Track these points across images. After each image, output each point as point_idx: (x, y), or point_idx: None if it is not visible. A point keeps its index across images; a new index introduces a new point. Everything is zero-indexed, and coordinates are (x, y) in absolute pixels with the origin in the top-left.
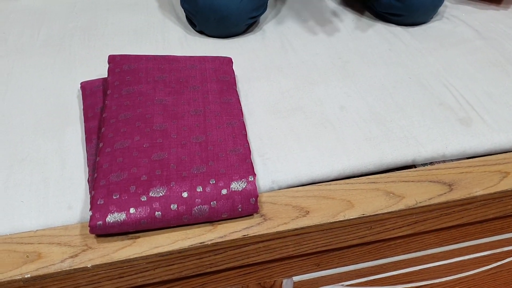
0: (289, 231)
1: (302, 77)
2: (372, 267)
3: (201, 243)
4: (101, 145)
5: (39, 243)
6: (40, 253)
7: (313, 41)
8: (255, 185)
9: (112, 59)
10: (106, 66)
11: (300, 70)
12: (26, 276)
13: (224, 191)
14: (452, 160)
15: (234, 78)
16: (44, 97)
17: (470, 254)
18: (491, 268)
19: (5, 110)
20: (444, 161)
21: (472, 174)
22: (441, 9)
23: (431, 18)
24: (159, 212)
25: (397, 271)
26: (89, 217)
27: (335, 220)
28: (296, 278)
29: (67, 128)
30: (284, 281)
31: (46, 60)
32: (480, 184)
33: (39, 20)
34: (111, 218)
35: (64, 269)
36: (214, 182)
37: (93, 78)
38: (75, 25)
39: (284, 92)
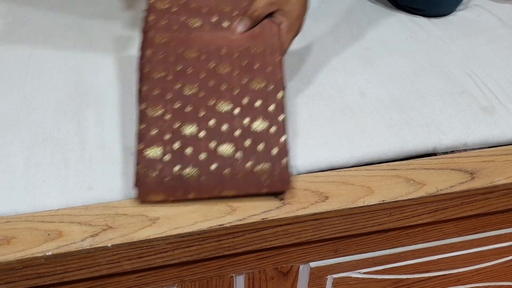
0: (307, 215)
1: (322, 63)
2: (389, 255)
3: (220, 225)
4: None
5: (60, 222)
6: (61, 232)
7: (333, 28)
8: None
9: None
10: (125, 50)
11: (320, 56)
12: (47, 254)
13: None
14: (473, 149)
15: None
16: (64, 79)
17: (490, 244)
18: (510, 260)
19: (26, 91)
20: (465, 150)
21: (494, 163)
22: None
23: (454, 10)
24: None
25: (414, 260)
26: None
27: (354, 206)
28: (313, 264)
29: (87, 109)
30: (301, 266)
31: (66, 43)
32: (502, 173)
33: (60, 3)
34: None
35: (84, 248)
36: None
37: (112, 62)
38: (96, 9)
39: (303, 78)
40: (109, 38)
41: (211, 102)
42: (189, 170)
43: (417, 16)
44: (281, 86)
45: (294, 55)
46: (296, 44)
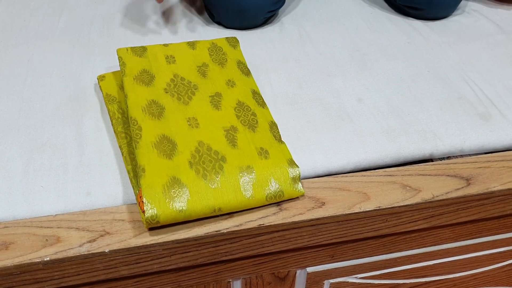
0: (304, 221)
1: (319, 68)
2: (386, 260)
3: (217, 231)
4: None
5: (58, 227)
6: (59, 237)
7: (331, 33)
8: None
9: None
10: None
11: (318, 61)
12: (45, 259)
13: None
14: (470, 155)
15: None
16: (63, 84)
17: (485, 250)
18: (506, 265)
19: (25, 96)
20: (462, 156)
21: (490, 169)
22: (462, 3)
23: (452, 12)
24: None
25: (411, 265)
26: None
27: (350, 212)
28: (310, 269)
29: (86, 114)
30: (298, 271)
31: (65, 47)
32: (498, 179)
33: (59, 8)
34: None
35: (82, 253)
36: None
37: (111, 66)
38: (94, 13)
39: (301, 83)
40: (109, 42)
41: None
42: None
43: (415, 20)
44: None
45: (292, 60)
46: (294, 49)
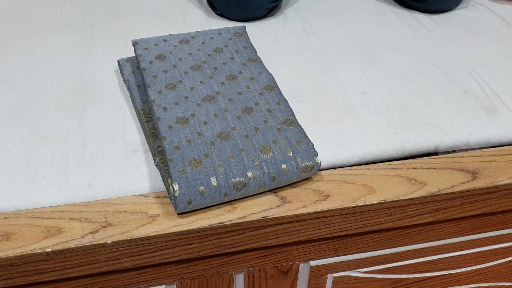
0: (308, 214)
1: (324, 61)
2: (390, 254)
3: (220, 223)
4: None
5: (60, 218)
6: (61, 228)
7: (335, 26)
8: None
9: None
10: (126, 47)
11: (322, 54)
12: (47, 250)
13: None
14: (475, 149)
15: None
16: (65, 76)
17: (490, 245)
18: (511, 260)
19: (28, 87)
20: (467, 150)
21: (496, 163)
22: None
23: (456, 5)
24: None
25: (415, 260)
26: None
27: (355, 205)
28: (313, 263)
29: (88, 106)
30: (301, 265)
31: (67, 39)
32: (504, 173)
33: (61, 0)
34: None
35: (84, 245)
36: None
37: (113, 59)
38: (97, 6)
39: (305, 76)
40: (111, 34)
41: None
42: None
43: (420, 13)
44: None
45: (296, 53)
46: (298, 42)
